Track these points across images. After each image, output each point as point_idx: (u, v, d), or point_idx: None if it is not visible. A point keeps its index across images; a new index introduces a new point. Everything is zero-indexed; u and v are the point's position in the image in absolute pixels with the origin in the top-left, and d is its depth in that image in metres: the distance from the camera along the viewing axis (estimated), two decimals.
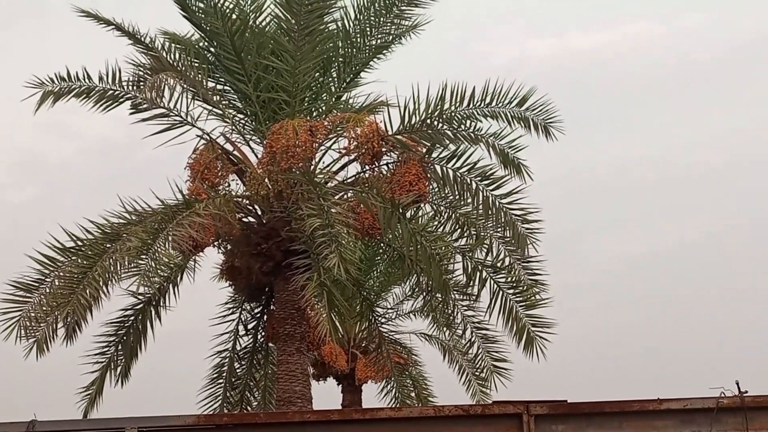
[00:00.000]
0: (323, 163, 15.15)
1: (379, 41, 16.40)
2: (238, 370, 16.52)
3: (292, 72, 15.02)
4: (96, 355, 15.61)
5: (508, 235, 14.72)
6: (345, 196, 14.63)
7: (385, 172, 14.62)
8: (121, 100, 14.89)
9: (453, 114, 14.58)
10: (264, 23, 15.48)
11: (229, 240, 14.81)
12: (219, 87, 15.81)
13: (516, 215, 14.54)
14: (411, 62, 18.16)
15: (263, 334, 16.27)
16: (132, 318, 15.71)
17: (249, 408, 16.40)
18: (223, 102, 15.65)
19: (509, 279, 14.88)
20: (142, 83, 14.62)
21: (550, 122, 14.85)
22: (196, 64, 15.22)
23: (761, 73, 41.20)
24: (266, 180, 14.49)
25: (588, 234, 39.28)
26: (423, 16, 16.49)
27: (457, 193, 14.80)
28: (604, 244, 40.26)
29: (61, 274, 13.18)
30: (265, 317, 16.06)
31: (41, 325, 12.85)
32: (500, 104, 14.68)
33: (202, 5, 15.30)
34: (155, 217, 13.61)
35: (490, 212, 14.57)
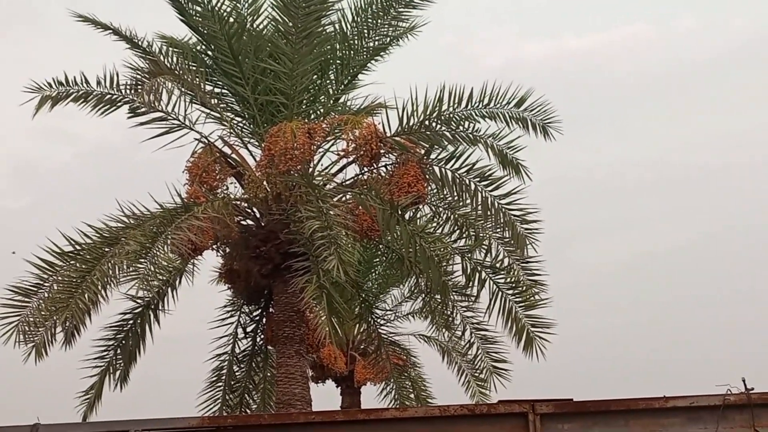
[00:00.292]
0: (322, 165, 15.17)
1: (376, 43, 16.41)
2: (237, 373, 16.50)
3: (289, 74, 15.00)
4: (95, 359, 15.59)
5: (507, 236, 14.71)
6: (344, 198, 14.63)
7: (383, 174, 14.61)
8: (119, 104, 14.85)
9: (451, 115, 14.57)
10: (261, 26, 15.47)
11: (227, 243, 14.79)
12: (217, 90, 15.80)
13: (515, 216, 14.53)
14: (408, 64, 18.18)
15: (262, 336, 16.24)
16: (131, 322, 15.68)
17: (248, 411, 16.37)
18: (221, 105, 15.64)
19: (508, 279, 14.86)
20: (140, 87, 14.59)
21: (549, 122, 14.86)
22: (194, 68, 15.18)
23: (757, 75, 41.31)
24: (265, 183, 14.47)
25: (584, 235, 39.30)
26: (420, 18, 16.54)
27: (455, 194, 14.79)
28: (601, 244, 40.31)
29: (60, 278, 13.13)
30: (264, 320, 16.03)
31: (40, 329, 12.81)
32: (498, 105, 14.68)
33: (199, 9, 15.29)
34: (154, 221, 13.58)
35: (489, 213, 14.56)
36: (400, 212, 13.76)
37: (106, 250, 13.19)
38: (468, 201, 14.75)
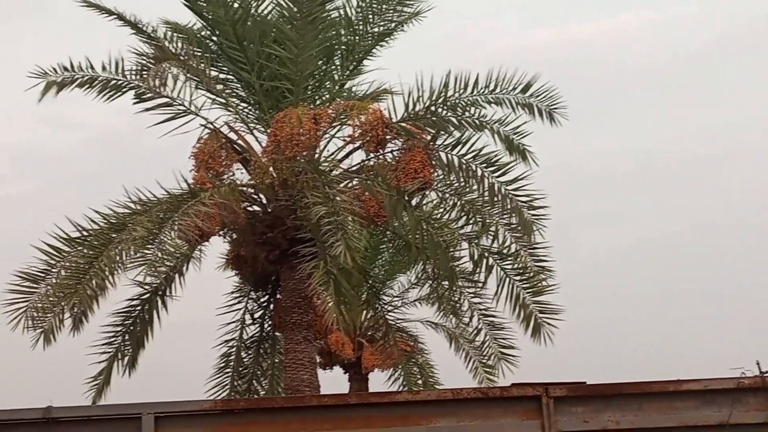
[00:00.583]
0: (328, 151, 15.15)
1: (381, 29, 16.36)
2: (245, 359, 16.50)
3: (295, 60, 14.96)
4: (103, 345, 15.59)
5: (514, 222, 14.67)
6: (350, 184, 14.62)
7: (390, 160, 14.59)
8: (125, 89, 14.83)
9: (457, 101, 14.57)
10: (266, 11, 15.43)
11: (234, 229, 14.77)
12: (222, 76, 15.77)
13: (522, 201, 14.48)
14: (412, 50, 18.12)
15: (270, 323, 16.25)
16: (139, 308, 15.68)
17: (257, 396, 16.37)
18: (227, 91, 15.61)
19: (516, 266, 14.85)
20: (145, 72, 14.58)
21: (555, 108, 14.84)
22: (199, 54, 15.17)
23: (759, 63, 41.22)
24: (271, 168, 14.44)
25: (592, 221, 39.26)
26: (424, 3, 16.49)
27: (462, 179, 14.75)
28: (609, 231, 40.27)
29: (68, 264, 13.16)
30: (272, 306, 16.02)
31: (48, 315, 12.82)
32: (504, 91, 14.68)
33: None
34: (160, 207, 13.60)
35: (495, 199, 14.53)
36: (406, 198, 13.76)
37: (114, 236, 13.21)
38: (475, 187, 14.71)
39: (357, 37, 16.18)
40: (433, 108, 14.50)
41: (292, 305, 14.73)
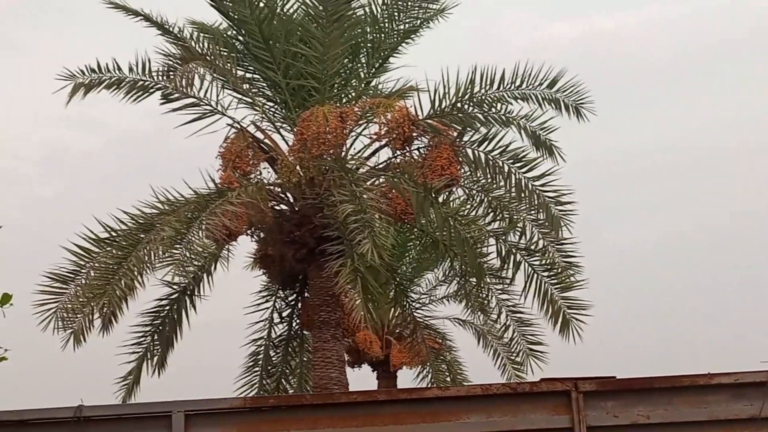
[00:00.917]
0: (354, 149, 15.17)
1: (407, 26, 16.34)
2: (273, 358, 16.53)
3: (321, 59, 14.98)
4: (133, 345, 15.68)
5: (541, 218, 14.61)
6: (377, 182, 14.61)
7: (416, 157, 14.59)
8: (152, 90, 14.91)
9: (483, 97, 14.53)
10: (292, 10, 15.44)
11: (262, 228, 14.80)
12: (248, 75, 15.81)
13: (549, 197, 14.42)
14: (437, 47, 18.08)
15: (298, 321, 16.29)
16: (167, 308, 15.75)
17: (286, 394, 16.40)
18: (253, 90, 15.65)
19: (543, 261, 14.79)
20: (172, 73, 14.64)
21: (581, 103, 14.78)
22: (225, 53, 15.20)
23: None
24: (298, 167, 14.46)
25: (618, 216, 39.06)
26: (450, 0, 16.45)
27: (489, 176, 14.72)
28: (635, 226, 40.05)
29: (96, 265, 13.23)
30: (300, 305, 16.06)
31: (78, 316, 12.89)
32: (530, 86, 14.62)
33: None
34: (188, 207, 13.65)
35: (523, 195, 14.48)
36: (433, 195, 13.74)
37: (142, 236, 13.27)
38: (502, 183, 14.67)
39: (383, 35, 16.17)
40: (459, 104, 14.46)
41: (319, 303, 14.74)
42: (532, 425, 6.43)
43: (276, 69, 15.23)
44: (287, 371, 16.64)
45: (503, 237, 14.93)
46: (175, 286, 15.43)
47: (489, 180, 14.82)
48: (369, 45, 16.07)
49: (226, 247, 14.99)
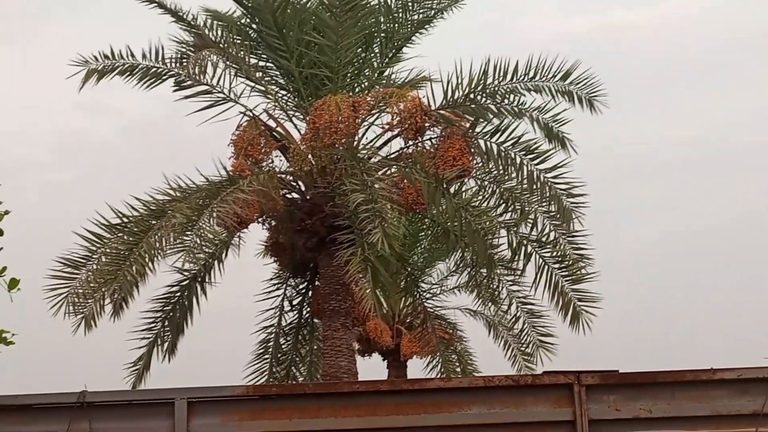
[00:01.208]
0: (366, 138, 15.20)
1: (420, 16, 16.33)
2: (283, 346, 16.58)
3: (334, 48, 14.98)
4: (143, 330, 15.74)
5: (553, 210, 14.59)
6: (388, 172, 14.62)
7: (428, 147, 14.59)
8: (165, 77, 14.94)
9: (496, 88, 14.52)
10: None
11: (273, 216, 14.83)
12: (261, 63, 15.83)
13: (561, 189, 14.40)
14: (452, 38, 18.08)
15: (308, 309, 16.31)
16: (178, 294, 15.80)
17: (289, 383, 16.44)
18: (266, 78, 15.66)
19: (554, 253, 14.78)
20: (185, 60, 14.67)
21: (595, 96, 14.77)
22: (239, 41, 15.22)
23: None
24: (309, 156, 14.49)
25: (626, 212, 38.93)
26: None
27: (501, 167, 14.71)
28: (643, 222, 39.93)
29: (108, 250, 13.30)
30: (310, 293, 16.09)
31: (89, 301, 12.96)
32: (544, 78, 14.62)
33: None
34: (200, 194, 13.68)
35: (534, 186, 14.46)
36: (445, 186, 13.74)
37: (153, 222, 13.33)
38: (513, 174, 14.66)
39: (396, 25, 16.17)
40: (472, 95, 14.45)
41: (330, 292, 14.77)
42: (534, 418, 6.41)
43: (289, 57, 15.24)
44: (297, 359, 16.69)
45: (514, 228, 14.93)
46: (185, 273, 15.49)
47: (501, 171, 14.81)
48: (382, 35, 16.06)
49: (238, 234, 15.03)
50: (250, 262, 16.12)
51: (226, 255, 15.67)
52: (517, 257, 14.93)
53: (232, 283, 16.46)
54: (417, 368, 21.00)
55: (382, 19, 16.04)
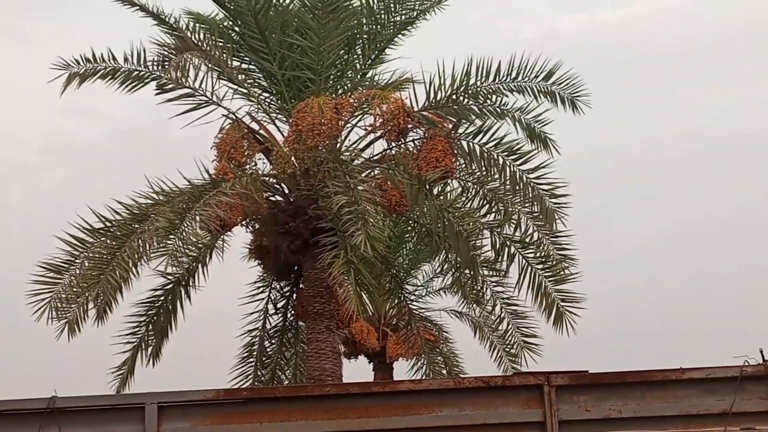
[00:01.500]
0: (349, 140, 15.18)
1: (403, 17, 16.34)
2: (268, 349, 16.57)
3: (316, 50, 14.98)
4: (127, 335, 15.72)
5: (536, 210, 14.61)
6: (371, 174, 14.64)
7: (411, 149, 14.59)
8: (147, 80, 14.91)
9: (479, 89, 14.51)
10: (287, 1, 15.44)
11: (256, 219, 14.81)
12: (244, 66, 15.82)
13: (543, 190, 14.42)
14: (436, 38, 18.07)
15: (293, 312, 16.30)
16: (162, 298, 15.78)
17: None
18: (248, 81, 15.65)
19: (538, 254, 14.81)
20: (167, 63, 14.65)
21: (577, 96, 14.77)
22: (221, 44, 15.22)
23: None
24: (293, 158, 14.49)
25: (614, 211, 38.99)
26: None
27: (484, 168, 14.71)
28: (630, 220, 40.01)
29: (91, 255, 13.25)
30: (295, 296, 16.08)
31: (72, 306, 12.93)
32: (526, 78, 14.61)
33: None
34: (182, 197, 13.65)
35: (517, 187, 14.47)
36: (428, 187, 13.75)
37: (136, 226, 13.29)
38: (496, 175, 14.67)
39: (379, 27, 16.17)
40: (454, 96, 14.44)
41: (314, 295, 14.76)
42: (504, 419, 6.45)
43: (272, 60, 15.24)
44: (282, 362, 16.68)
45: (498, 229, 14.95)
46: (169, 277, 15.47)
47: (484, 172, 14.82)
48: (365, 36, 16.07)
49: (222, 238, 15.01)
50: (235, 266, 16.12)
51: (210, 258, 15.67)
52: (500, 258, 14.95)
53: (216, 286, 16.47)
54: (403, 370, 21.01)
55: (364, 21, 16.05)
